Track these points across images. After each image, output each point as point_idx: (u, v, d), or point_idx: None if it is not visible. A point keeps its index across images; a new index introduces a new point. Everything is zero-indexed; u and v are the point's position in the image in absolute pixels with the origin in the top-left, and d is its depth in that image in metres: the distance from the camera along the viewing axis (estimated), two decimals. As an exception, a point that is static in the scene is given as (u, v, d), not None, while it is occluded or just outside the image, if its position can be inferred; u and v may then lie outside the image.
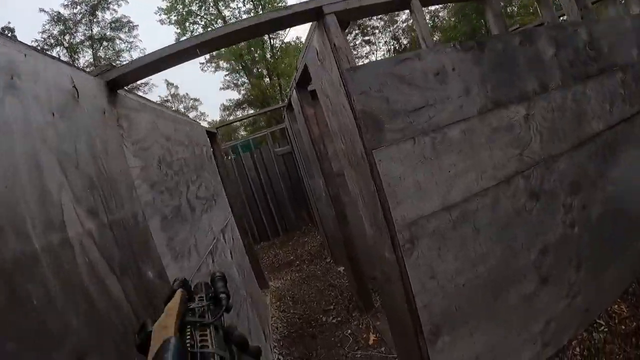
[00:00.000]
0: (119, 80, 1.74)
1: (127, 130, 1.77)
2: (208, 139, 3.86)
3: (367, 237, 2.11)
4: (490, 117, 1.88)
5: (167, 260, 1.73)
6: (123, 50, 22.57)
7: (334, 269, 5.48)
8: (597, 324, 2.65)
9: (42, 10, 19.42)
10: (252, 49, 21.23)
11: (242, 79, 23.78)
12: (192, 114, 27.76)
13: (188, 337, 0.52)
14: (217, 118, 25.99)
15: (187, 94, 32.72)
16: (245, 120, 25.74)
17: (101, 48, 21.77)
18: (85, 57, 21.25)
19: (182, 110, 27.44)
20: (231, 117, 26.29)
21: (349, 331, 3.62)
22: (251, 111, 24.83)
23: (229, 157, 8.54)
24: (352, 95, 1.54)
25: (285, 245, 7.93)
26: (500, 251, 2.02)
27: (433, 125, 1.71)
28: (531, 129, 2.09)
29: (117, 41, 22.30)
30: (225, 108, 25.84)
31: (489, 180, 1.87)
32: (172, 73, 43.20)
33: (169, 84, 27.93)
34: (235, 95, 25.33)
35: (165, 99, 27.37)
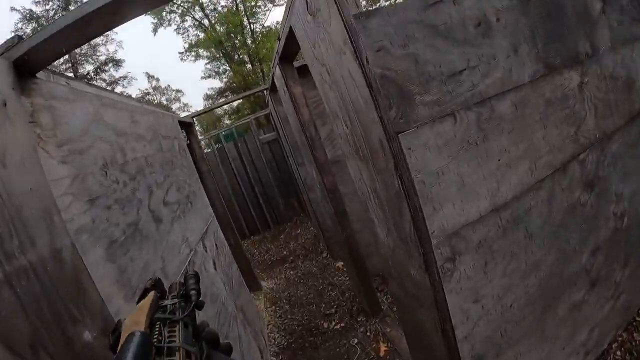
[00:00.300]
0: (32, 59, 1.22)
1: (48, 128, 1.26)
2: (181, 131, 3.33)
3: (381, 244, 1.67)
4: (543, 85, 1.43)
5: (116, 304, 1.26)
6: (99, 44, 21.76)
7: (332, 264, 5.07)
8: (637, 322, 2.35)
9: (13, 9, 18.62)
10: (232, 35, 20.46)
11: (224, 67, 23.08)
12: (175, 106, 27.32)
13: (157, 333, 0.51)
14: (201, 108, 25.30)
15: (168, 85, 31.98)
16: (227, 107, 25.03)
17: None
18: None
19: (165, 102, 26.91)
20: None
21: (356, 340, 3.23)
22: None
23: (211, 149, 7.96)
24: (365, 53, 1.05)
25: (276, 239, 7.49)
26: (553, 257, 1.62)
27: (477, 95, 1.25)
28: (585, 100, 1.66)
29: None
30: (207, 97, 25.40)
31: (544, 168, 1.44)
32: (152, 65, 41.78)
33: (149, 77, 27.18)
34: (217, 83, 24.67)
35: (146, 91, 26.66)
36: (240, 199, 8.07)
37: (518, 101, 1.40)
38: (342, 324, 3.56)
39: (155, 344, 0.49)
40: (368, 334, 3.25)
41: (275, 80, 3.26)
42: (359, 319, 3.51)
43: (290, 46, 2.30)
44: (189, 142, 4.45)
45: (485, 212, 1.32)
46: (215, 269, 2.73)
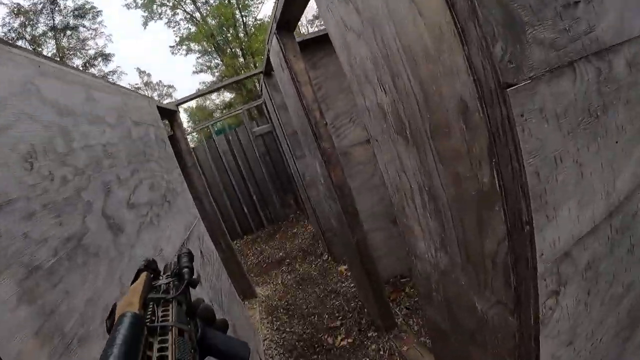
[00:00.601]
0: None
1: None
2: (159, 118, 2.84)
3: (420, 259, 1.22)
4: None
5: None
6: (88, 39, 21.56)
7: (334, 268, 4.64)
8: None
9: (0, 2, 18.00)
10: (224, 28, 20.21)
11: (216, 61, 23.12)
12: (166, 101, 26.56)
13: (150, 313, 0.51)
14: (193, 104, 25.27)
15: (160, 81, 31.84)
16: (219, 102, 24.52)
17: (64, 38, 20.92)
18: (48, 49, 20.31)
19: (156, 97, 26.62)
20: (207, 102, 25.18)
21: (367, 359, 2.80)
22: (227, 93, 23.88)
23: (201, 142, 7.44)
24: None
25: (271, 239, 7.03)
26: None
27: (595, 43, 0.79)
28: None
29: (81, 29, 21.35)
30: (199, 91, 24.80)
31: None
32: (143, 60, 40.81)
33: (140, 72, 26.93)
34: (209, 78, 24.54)
35: (137, 86, 26.30)
36: (232, 196, 7.58)
37: (632, 59, 0.95)
38: (350, 340, 3.13)
39: (148, 324, 0.48)
40: (381, 352, 2.83)
41: (270, 58, 2.78)
42: (369, 334, 3.08)
43: (292, 6, 1.82)
44: (172, 133, 3.96)
45: (599, 220, 0.88)
46: (200, 283, 2.27)
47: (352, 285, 4.04)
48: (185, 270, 0.64)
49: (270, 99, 4.36)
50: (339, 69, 3.18)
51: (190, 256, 0.71)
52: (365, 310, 3.48)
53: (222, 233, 4.13)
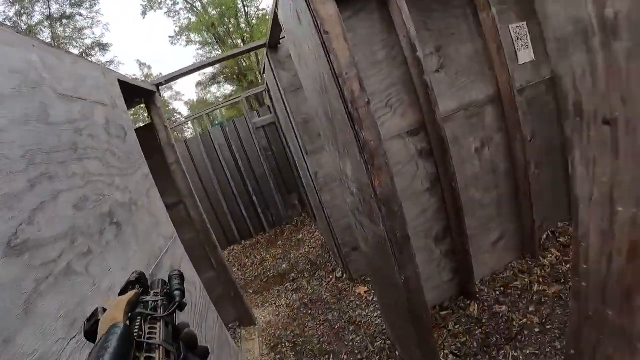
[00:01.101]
0: None
1: None
2: (120, 96, 2.03)
3: None
4: None
5: None
6: (85, 28, 21.22)
7: (351, 290, 3.84)
8: None
9: None
10: (226, 18, 19.76)
11: (216, 52, 22.55)
12: (167, 94, 26.98)
13: (137, 327, 0.53)
14: (194, 97, 24.80)
15: (160, 73, 31.63)
16: (219, 94, 23.71)
17: (61, 26, 20.65)
18: (43, 37, 19.91)
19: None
20: (208, 95, 24.47)
21: None
22: (228, 86, 23.31)
23: (194, 134, 6.60)
24: None
25: (273, 245, 6.23)
26: None
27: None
28: None
29: (78, 18, 20.98)
30: (199, 83, 24.78)
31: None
32: (143, 52, 39.88)
33: (141, 64, 26.55)
34: (209, 70, 24.18)
35: (134, 77, 25.69)
36: (228, 196, 6.76)
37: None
38: (381, 401, 2.34)
39: (135, 338, 0.49)
40: None
41: (279, 10, 1.95)
42: (408, 396, 2.28)
43: None
44: (150, 120, 3.14)
45: None
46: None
47: (375, 314, 3.25)
48: (177, 292, 0.66)
49: (276, 80, 3.53)
50: (371, 32, 2.34)
51: (182, 278, 0.73)
52: (397, 354, 2.68)
53: (212, 247, 3.32)
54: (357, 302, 3.61)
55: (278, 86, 3.57)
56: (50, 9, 19.91)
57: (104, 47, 21.93)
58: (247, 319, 3.71)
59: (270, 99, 5.94)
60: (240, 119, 6.78)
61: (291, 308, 3.98)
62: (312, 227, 6.29)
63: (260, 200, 6.91)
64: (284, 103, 3.62)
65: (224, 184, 6.72)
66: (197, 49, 22.78)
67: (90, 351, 0.43)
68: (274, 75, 3.50)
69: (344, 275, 4.16)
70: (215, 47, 22.57)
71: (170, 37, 22.34)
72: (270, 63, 3.49)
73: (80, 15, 21.00)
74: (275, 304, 4.21)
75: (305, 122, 3.40)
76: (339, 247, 3.83)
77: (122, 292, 0.66)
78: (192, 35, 22.02)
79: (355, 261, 3.88)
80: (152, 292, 0.66)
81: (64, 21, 20.68)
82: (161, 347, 0.49)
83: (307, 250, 5.44)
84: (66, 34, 20.65)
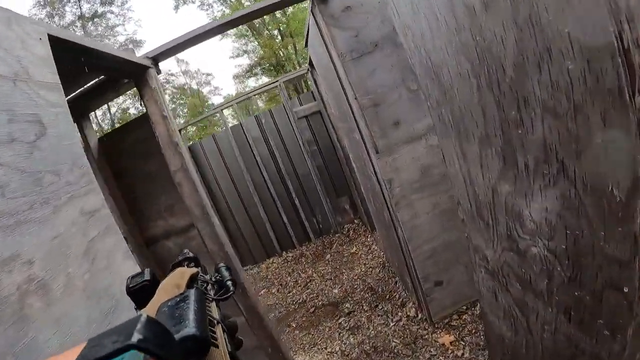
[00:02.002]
0: None
1: None
2: (48, 64, 1.10)
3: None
4: None
5: None
6: (117, 25, 21.92)
7: (430, 338, 2.80)
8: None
9: None
10: None
11: (252, 44, 22.83)
12: (205, 89, 27.50)
13: None
14: (233, 92, 25.03)
15: (198, 69, 32.27)
16: (256, 84, 23.30)
17: (92, 25, 21.28)
18: None
19: (195, 86, 27.09)
20: (247, 88, 24.47)
21: None
22: (265, 78, 23.24)
23: (224, 128, 5.77)
24: None
25: (321, 260, 5.30)
26: None
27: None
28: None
29: (109, 15, 21.64)
30: (235, 76, 24.88)
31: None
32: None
33: (178, 61, 27.29)
34: (246, 61, 24.28)
35: (170, 73, 26.63)
36: (266, 199, 5.90)
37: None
38: None
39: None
40: None
41: None
42: None
43: None
44: (144, 107, 2.26)
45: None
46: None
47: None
48: (230, 282, 0.68)
49: (326, 45, 2.52)
50: None
51: (230, 270, 0.74)
52: None
53: (239, 289, 2.39)
54: (441, 358, 2.56)
55: (330, 54, 2.56)
56: (81, 8, 20.57)
57: (137, 44, 22.43)
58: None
59: (315, 81, 4.95)
60: (278, 108, 5.86)
61: (348, 358, 3.00)
62: (368, 237, 5.26)
63: (304, 204, 5.97)
64: (339, 78, 2.59)
65: (260, 185, 5.86)
66: (232, 42, 22.84)
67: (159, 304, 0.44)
68: (324, 38, 2.49)
69: (419, 315, 3.10)
70: (251, 38, 22.41)
71: None
72: (316, 22, 2.48)
73: (112, 12, 21.62)
74: (326, 349, 3.25)
75: (374, 104, 2.37)
76: (417, 280, 2.78)
77: (177, 264, 0.71)
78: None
79: (438, 300, 2.82)
80: (201, 275, 0.67)
81: (96, 20, 21.29)
82: (220, 324, 0.49)
83: (363, 270, 4.42)
84: (98, 32, 21.27)
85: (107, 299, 1.23)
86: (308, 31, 3.16)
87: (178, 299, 0.44)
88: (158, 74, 2.52)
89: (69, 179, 1.22)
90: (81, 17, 20.59)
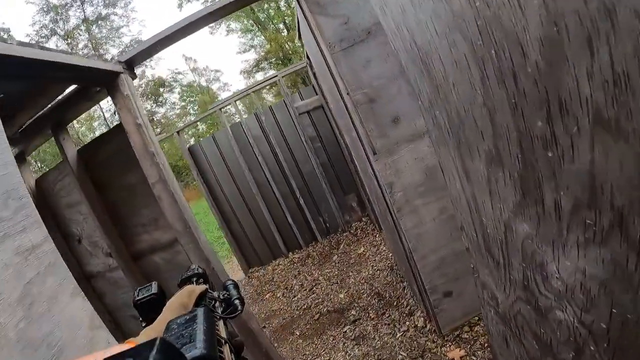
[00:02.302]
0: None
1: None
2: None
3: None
4: None
5: None
6: (121, 26, 22.20)
7: (439, 351, 2.59)
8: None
9: (29, 1, 19.22)
10: (265, 3, 20.15)
11: (258, 38, 23.11)
12: (215, 86, 28.01)
13: None
14: (241, 87, 25.17)
15: (207, 66, 32.43)
16: (261, 77, 23.16)
17: (97, 28, 21.72)
18: (83, 42, 21.33)
19: (204, 83, 27.41)
20: (251, 81, 24.55)
21: None
22: (272, 71, 23.20)
23: (223, 127, 5.57)
24: None
25: (327, 261, 5.09)
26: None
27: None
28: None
29: (113, 17, 21.98)
30: (242, 72, 25.39)
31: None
32: (183, 45, 40.84)
33: (186, 59, 27.55)
34: (253, 56, 24.49)
35: (176, 70, 26.87)
36: (270, 199, 5.71)
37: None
38: None
39: None
40: None
41: None
42: None
43: None
44: (117, 109, 2.07)
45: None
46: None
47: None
48: (237, 301, 0.67)
49: (314, 34, 2.26)
50: None
51: (238, 287, 0.73)
52: None
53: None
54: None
55: (318, 45, 2.31)
56: (84, 12, 20.93)
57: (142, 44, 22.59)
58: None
59: (314, 74, 4.69)
60: (279, 104, 5.63)
61: (353, 370, 2.80)
62: (376, 237, 5.03)
63: (310, 203, 5.76)
64: (330, 71, 2.34)
65: (263, 185, 5.66)
66: (239, 37, 22.92)
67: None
68: (311, 28, 2.24)
69: (428, 326, 2.87)
70: (257, 33, 22.28)
71: (209, 26, 22.98)
72: (302, 10, 2.23)
73: (116, 14, 21.98)
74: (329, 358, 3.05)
75: (370, 100, 2.12)
76: (424, 292, 2.54)
77: (186, 280, 0.72)
78: (232, 24, 21.97)
79: (447, 311, 2.59)
80: (209, 293, 0.66)
81: (100, 22, 21.61)
82: (227, 343, 0.49)
83: (370, 273, 4.20)
84: (102, 34, 21.67)
85: (47, 349, 1.06)
86: (299, 22, 2.91)
87: (187, 317, 0.43)
88: (133, 79, 2.32)
89: (2, 215, 1.05)
90: (85, 20, 20.70)
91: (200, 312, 0.44)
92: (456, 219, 1.19)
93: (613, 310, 0.52)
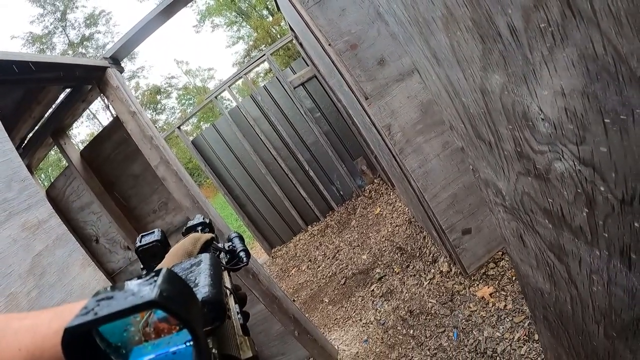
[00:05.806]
0: None
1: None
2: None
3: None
4: None
5: None
6: (107, 43, 22.40)
7: (468, 292, 2.59)
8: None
9: (13, 37, 19.91)
10: None
11: (244, 29, 23.19)
12: (211, 84, 27.94)
13: None
14: (239, 81, 25.38)
15: (199, 66, 32.45)
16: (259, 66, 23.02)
17: (83, 49, 22.00)
18: None
19: (199, 84, 27.53)
20: (252, 75, 24.64)
21: None
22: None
23: (222, 114, 5.58)
24: None
25: (346, 227, 5.14)
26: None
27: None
28: None
29: (97, 36, 22.48)
30: (234, 64, 25.38)
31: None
32: (172, 49, 40.58)
33: (178, 62, 27.62)
34: (243, 47, 24.54)
35: (170, 76, 27.10)
36: (279, 176, 5.74)
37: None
38: None
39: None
40: None
41: None
42: None
43: None
44: (112, 108, 2.09)
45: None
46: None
47: (517, 335, 1.99)
48: (243, 253, 0.66)
49: (286, -8, 2.21)
50: None
51: (243, 239, 0.71)
52: None
53: (248, 276, 2.26)
54: (482, 314, 2.36)
55: (292, 3, 2.25)
56: (68, 37, 21.40)
57: (131, 56, 22.66)
58: (323, 357, 2.67)
59: (301, 44, 4.61)
60: (272, 81, 5.59)
61: (384, 327, 2.85)
62: (391, 195, 5.02)
63: (320, 173, 5.77)
64: (309, 28, 2.29)
65: (270, 163, 5.69)
66: (224, 31, 22.93)
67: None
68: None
69: (453, 269, 2.88)
70: (243, 23, 22.08)
71: (193, 26, 23.27)
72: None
73: (99, 32, 22.40)
74: (361, 320, 3.11)
75: (351, 46, 2.07)
76: (443, 233, 2.54)
77: (190, 229, 0.70)
78: (215, 20, 21.98)
79: (469, 250, 2.59)
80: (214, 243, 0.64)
81: (85, 43, 22.01)
82: (232, 294, 0.48)
83: (390, 230, 4.21)
84: (90, 54, 21.65)
85: None
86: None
87: (192, 262, 0.42)
88: (121, 72, 2.32)
89: (6, 196, 1.12)
90: (70, 44, 21.02)
91: (205, 257, 0.43)
92: (444, 118, 1.16)
93: (605, 120, 0.46)
